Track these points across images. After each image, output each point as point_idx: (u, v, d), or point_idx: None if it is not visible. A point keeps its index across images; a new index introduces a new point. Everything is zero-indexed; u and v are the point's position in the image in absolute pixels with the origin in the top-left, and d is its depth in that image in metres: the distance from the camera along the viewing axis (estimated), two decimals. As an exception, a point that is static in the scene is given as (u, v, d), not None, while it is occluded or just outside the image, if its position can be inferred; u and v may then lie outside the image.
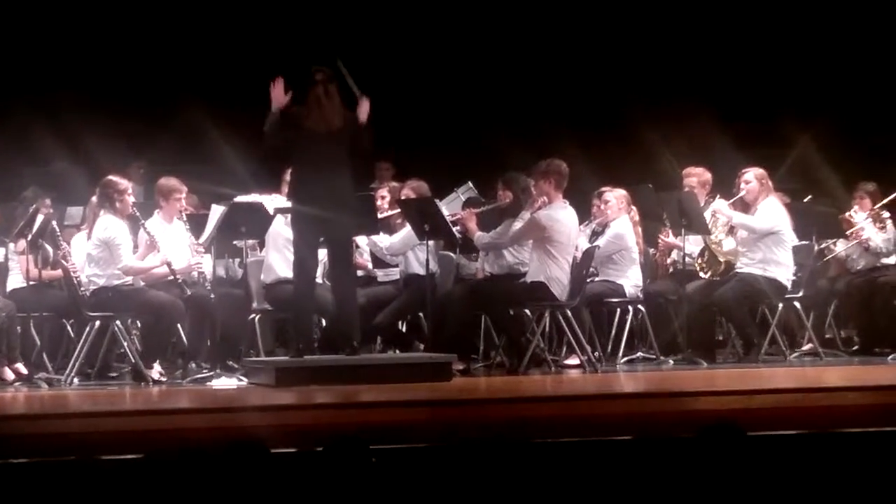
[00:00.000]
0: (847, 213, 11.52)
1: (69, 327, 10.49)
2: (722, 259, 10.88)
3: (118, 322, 9.73)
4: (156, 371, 9.69)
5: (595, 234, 11.04)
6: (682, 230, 10.75)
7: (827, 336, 11.62)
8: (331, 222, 9.31)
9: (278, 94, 9.38)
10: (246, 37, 13.92)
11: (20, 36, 13.61)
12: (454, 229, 10.36)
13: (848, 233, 11.49)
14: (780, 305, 10.76)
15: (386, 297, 10.67)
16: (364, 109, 9.44)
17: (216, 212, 10.17)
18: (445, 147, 13.88)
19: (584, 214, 10.99)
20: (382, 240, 10.64)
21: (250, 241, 10.64)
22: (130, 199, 9.84)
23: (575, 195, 10.64)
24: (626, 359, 10.79)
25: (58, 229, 10.16)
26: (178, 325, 9.94)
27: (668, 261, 11.36)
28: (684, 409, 7.94)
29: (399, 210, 10.62)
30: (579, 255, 10.42)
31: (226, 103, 13.26)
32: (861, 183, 11.78)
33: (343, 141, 9.34)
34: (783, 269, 10.71)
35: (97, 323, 9.66)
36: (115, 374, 10.19)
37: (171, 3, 13.85)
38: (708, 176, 11.24)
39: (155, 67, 13.82)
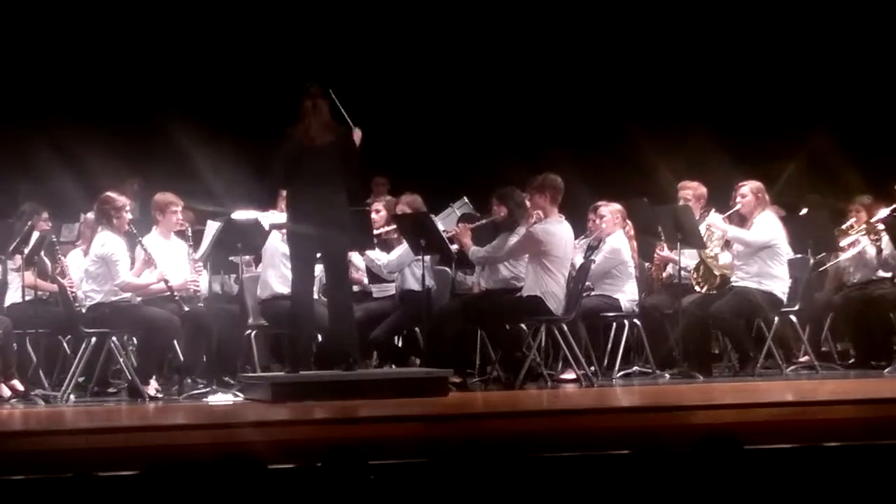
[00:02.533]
0: (844, 226, 11.52)
1: (65, 344, 10.47)
2: (717, 273, 10.88)
3: (114, 338, 9.73)
4: (152, 387, 9.68)
5: (591, 249, 11.04)
6: (678, 244, 10.76)
7: (823, 349, 11.61)
8: (326, 238, 9.32)
9: None
10: (241, 56, 13.95)
11: (18, 55, 13.64)
12: (450, 245, 10.37)
13: (843, 245, 11.48)
14: (776, 319, 10.77)
15: (382, 312, 10.66)
16: (356, 139, 9.47)
17: (212, 228, 10.18)
18: (441, 161, 13.89)
19: (580, 229, 10.99)
20: (379, 256, 10.64)
21: (246, 257, 10.65)
22: (128, 216, 9.84)
23: (570, 209, 10.64)
24: (622, 373, 10.79)
25: (57, 243, 10.18)
26: (174, 341, 9.94)
27: (664, 275, 11.36)
28: (681, 423, 7.94)
29: (394, 225, 10.62)
30: (575, 269, 10.42)
31: (220, 121, 13.29)
32: (857, 196, 11.79)
33: (334, 156, 9.33)
34: (779, 283, 10.71)
35: (93, 339, 9.65)
36: (111, 391, 10.18)
37: (167, 24, 13.87)
38: (703, 190, 11.24)
39: (150, 86, 13.84)
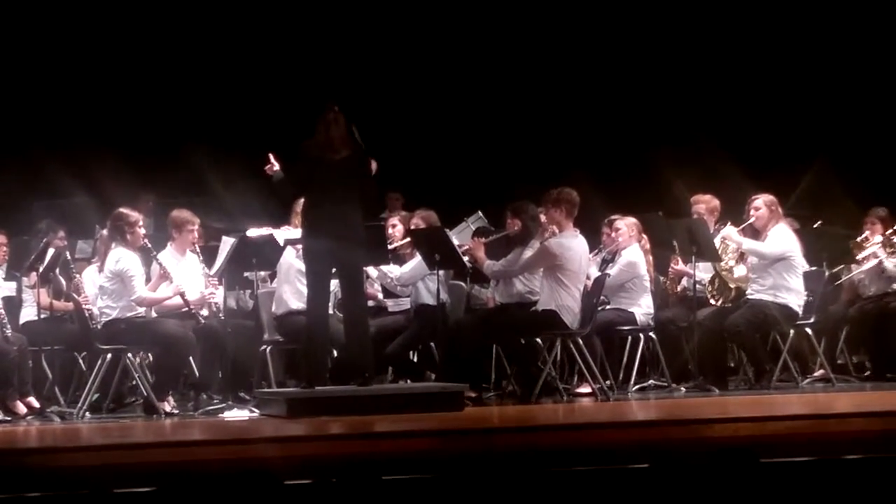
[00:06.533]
0: (859, 238, 11.51)
1: (81, 360, 10.49)
2: (732, 286, 10.87)
3: (130, 354, 9.74)
4: (168, 403, 9.69)
5: (605, 262, 11.04)
6: (693, 257, 10.75)
7: (839, 362, 11.60)
8: (341, 253, 9.32)
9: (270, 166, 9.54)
10: (254, 75, 13.99)
11: (34, 75, 13.70)
12: (464, 259, 10.37)
13: (859, 258, 11.47)
14: (792, 332, 10.75)
15: (396, 327, 10.67)
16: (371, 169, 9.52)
17: (227, 244, 10.19)
18: (455, 176, 13.90)
19: (595, 242, 10.98)
20: (392, 270, 10.65)
21: (261, 273, 10.66)
22: (141, 231, 9.85)
23: (585, 223, 10.64)
24: (637, 386, 10.78)
25: (72, 261, 10.20)
26: (190, 357, 9.95)
27: (679, 288, 11.35)
28: (697, 437, 7.92)
29: (409, 240, 10.63)
30: (590, 283, 10.42)
31: (234, 139, 13.32)
32: (872, 208, 11.77)
33: (349, 170, 9.34)
34: (794, 296, 10.70)
35: (109, 355, 9.66)
36: (128, 404, 10.19)
37: (181, 44, 13.93)
38: (716, 203, 11.24)
39: (163, 104, 13.90)
